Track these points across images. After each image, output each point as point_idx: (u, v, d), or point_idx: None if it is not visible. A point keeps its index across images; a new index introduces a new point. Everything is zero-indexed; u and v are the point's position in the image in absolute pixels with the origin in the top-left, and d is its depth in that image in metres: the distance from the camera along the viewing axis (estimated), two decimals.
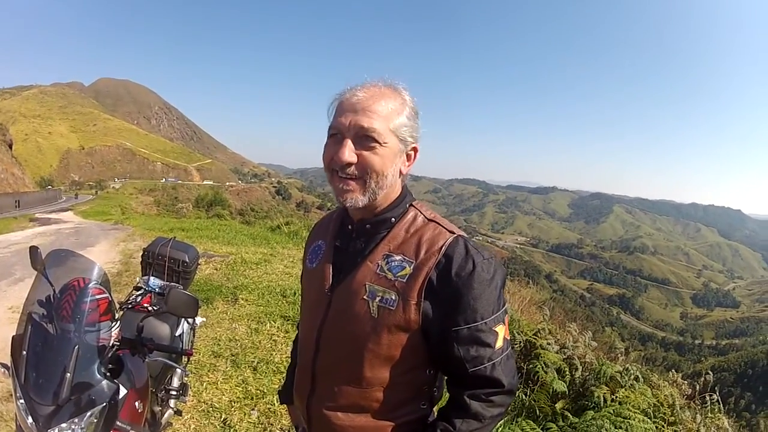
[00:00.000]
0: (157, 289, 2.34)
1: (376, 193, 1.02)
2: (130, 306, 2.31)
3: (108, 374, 1.42)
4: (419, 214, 1.10)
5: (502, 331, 1.02)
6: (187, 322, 2.52)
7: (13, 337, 1.41)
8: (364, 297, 1.04)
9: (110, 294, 1.47)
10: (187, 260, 2.50)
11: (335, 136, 1.02)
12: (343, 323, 1.08)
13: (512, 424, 3.11)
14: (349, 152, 0.99)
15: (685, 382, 3.95)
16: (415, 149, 1.06)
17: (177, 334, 2.37)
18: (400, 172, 1.06)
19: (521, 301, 5.95)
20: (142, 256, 2.55)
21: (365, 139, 0.98)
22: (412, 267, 1.02)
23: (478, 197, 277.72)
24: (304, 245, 1.33)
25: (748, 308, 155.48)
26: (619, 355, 4.47)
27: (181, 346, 2.36)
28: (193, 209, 18.23)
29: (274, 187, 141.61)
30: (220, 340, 4.40)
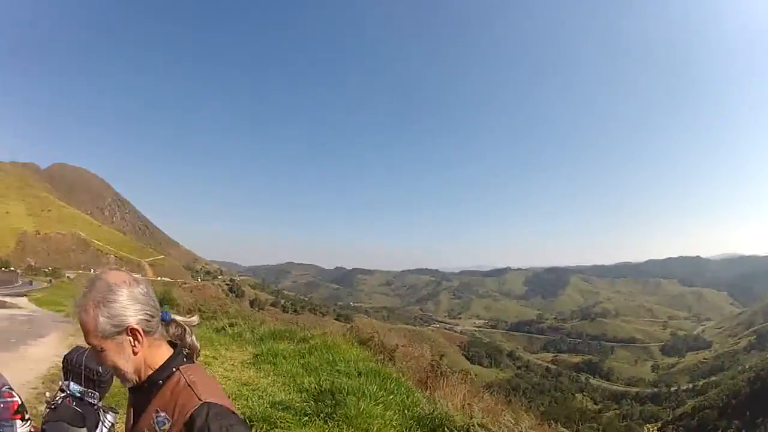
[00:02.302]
0: (77, 394, 2.38)
1: (129, 377, 1.33)
2: (53, 407, 2.50)
3: None
4: (182, 378, 1.33)
5: None
6: (105, 426, 2.48)
7: None
8: None
9: (20, 398, 1.80)
10: (101, 371, 2.44)
11: None
12: None
13: None
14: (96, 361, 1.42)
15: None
16: (132, 330, 1.29)
17: None
18: (135, 353, 1.31)
19: (464, 391, 5.72)
20: (63, 361, 2.55)
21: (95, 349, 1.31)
22: (169, 425, 1.26)
23: (431, 286, 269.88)
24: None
25: (721, 345, 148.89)
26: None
27: None
28: None
29: (227, 284, 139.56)
30: None
